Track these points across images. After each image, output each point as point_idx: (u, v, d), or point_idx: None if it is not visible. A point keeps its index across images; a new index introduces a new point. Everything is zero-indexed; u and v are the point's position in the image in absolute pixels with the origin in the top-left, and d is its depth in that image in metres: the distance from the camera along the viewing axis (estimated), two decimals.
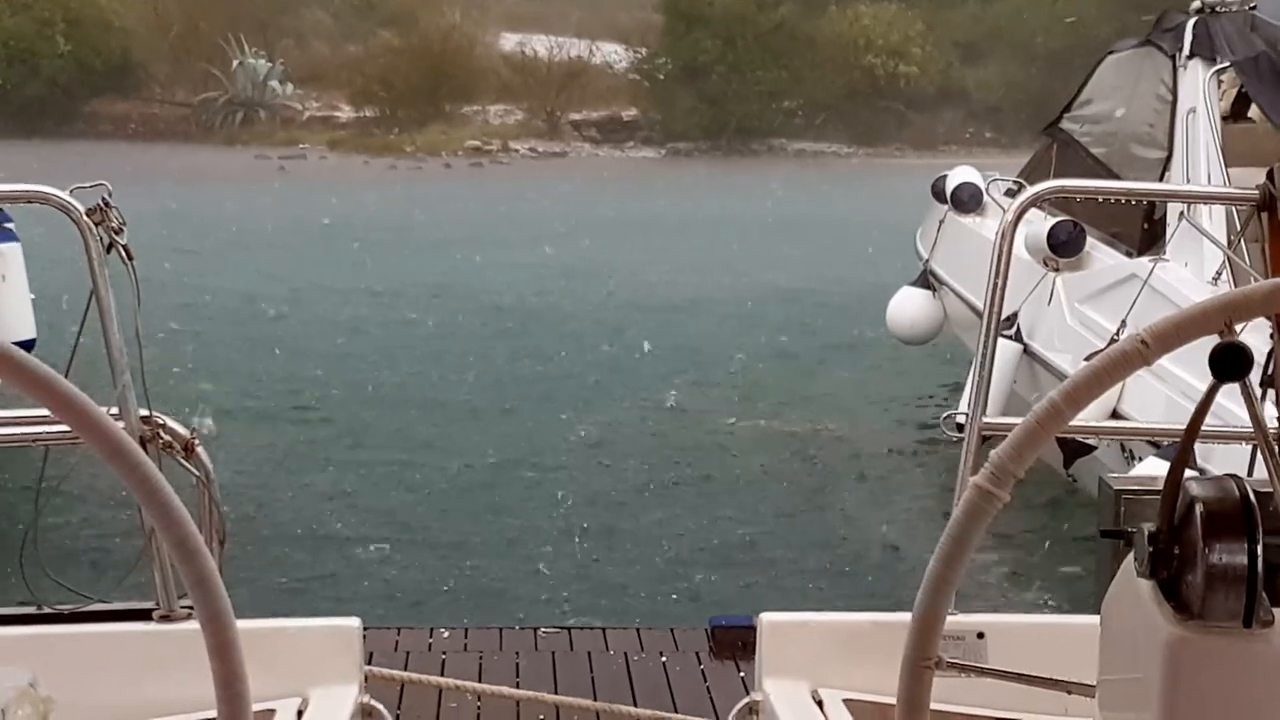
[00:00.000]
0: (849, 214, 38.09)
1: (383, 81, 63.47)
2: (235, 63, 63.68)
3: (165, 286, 23.04)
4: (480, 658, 7.99)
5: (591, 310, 25.03)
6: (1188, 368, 9.51)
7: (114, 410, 4.03)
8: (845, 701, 4.10)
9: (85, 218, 4.00)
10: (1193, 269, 11.74)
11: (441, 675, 7.35)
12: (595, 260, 30.33)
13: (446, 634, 8.43)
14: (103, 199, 3.99)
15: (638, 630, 8.57)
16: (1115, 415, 10.78)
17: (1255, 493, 2.17)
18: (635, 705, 7.03)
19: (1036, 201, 4.25)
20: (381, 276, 27.92)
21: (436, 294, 26.40)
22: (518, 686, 7.32)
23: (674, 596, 11.67)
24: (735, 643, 7.78)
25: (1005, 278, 4.16)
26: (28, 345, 13.61)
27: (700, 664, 7.93)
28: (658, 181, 49.38)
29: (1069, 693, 2.56)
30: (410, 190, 46.10)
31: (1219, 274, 11.24)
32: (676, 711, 7.04)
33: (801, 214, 38.76)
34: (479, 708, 7.25)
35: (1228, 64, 12.86)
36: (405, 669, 7.31)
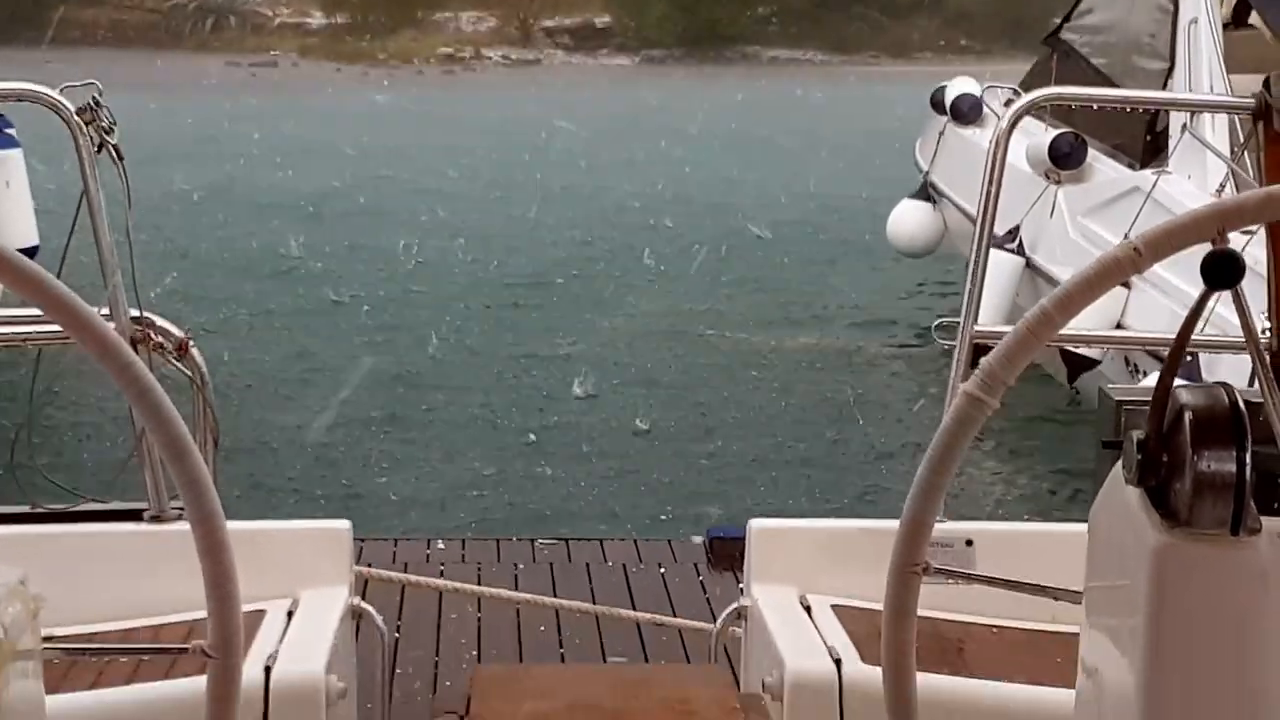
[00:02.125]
0: (830, 121, 37.87)
1: None
2: None
3: None
4: (479, 568, 7.98)
5: (569, 224, 25.01)
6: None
7: (105, 311, 4.03)
8: (833, 607, 4.12)
9: (75, 117, 3.98)
10: (1196, 181, 11.70)
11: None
12: (575, 174, 30.20)
13: (443, 545, 8.42)
14: (93, 98, 3.97)
15: (635, 541, 8.58)
16: (1119, 329, 10.78)
17: (1246, 402, 2.16)
18: (635, 611, 7.07)
19: (1031, 109, 4.23)
20: None
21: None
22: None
23: None
24: (733, 554, 7.76)
25: (999, 186, 4.14)
26: (31, 252, 13.57)
27: (699, 575, 7.94)
28: (635, 89, 49.06)
29: (1056, 599, 2.56)
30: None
31: (1223, 186, 11.20)
32: (676, 618, 7.06)
33: (782, 122, 38.51)
34: (479, 618, 7.26)
35: None
36: None
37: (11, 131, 14.58)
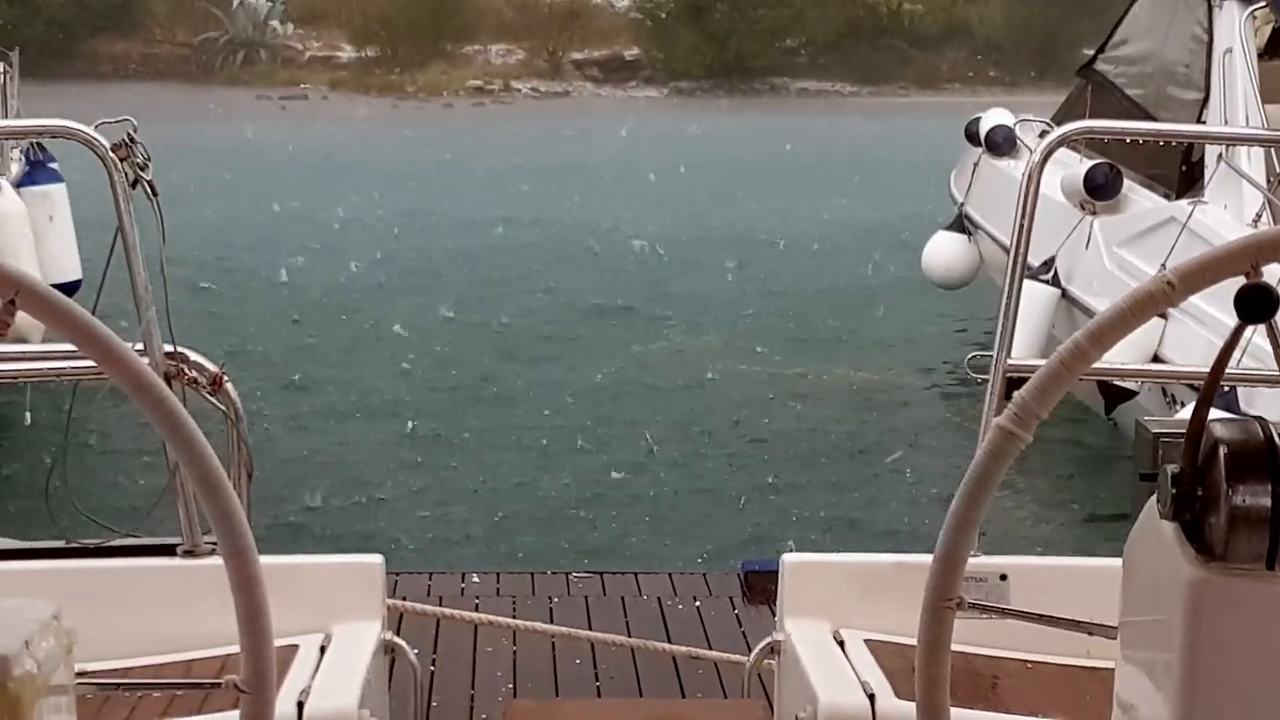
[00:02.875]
0: (859, 152, 37.85)
1: (383, 21, 63.56)
2: (235, 2, 63.91)
3: None
4: (513, 601, 7.98)
5: (613, 253, 25.02)
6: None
7: (139, 346, 4.05)
8: (866, 642, 4.11)
9: (110, 153, 4.01)
10: (1232, 211, 11.65)
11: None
12: (602, 205, 30.20)
13: (478, 579, 8.42)
14: (128, 134, 4.00)
15: (670, 575, 8.57)
16: (1157, 360, 10.75)
17: None
18: (670, 644, 7.05)
19: (1064, 142, 4.23)
20: None
21: None
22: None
23: None
24: (768, 587, 7.72)
25: (1031, 219, 4.14)
26: (73, 286, 13.69)
27: (734, 608, 7.92)
28: (664, 121, 49.19)
29: (1091, 634, 2.55)
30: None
31: (1259, 216, 11.17)
32: (711, 651, 7.05)
33: (811, 153, 38.46)
34: (515, 651, 7.26)
35: (1263, 2, 12.74)
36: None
37: (55, 166, 14.71)
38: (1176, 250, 11.16)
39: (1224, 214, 11.70)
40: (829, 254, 24.84)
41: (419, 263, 24.02)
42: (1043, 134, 4.50)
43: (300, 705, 3.61)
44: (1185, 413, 10.16)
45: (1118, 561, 2.46)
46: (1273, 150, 10.82)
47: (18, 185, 14.50)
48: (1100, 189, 13.17)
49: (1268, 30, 13.54)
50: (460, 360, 17.67)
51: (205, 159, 33.27)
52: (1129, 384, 11.23)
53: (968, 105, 19.24)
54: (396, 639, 4.28)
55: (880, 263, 23.18)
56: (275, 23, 64.76)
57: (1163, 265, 10.98)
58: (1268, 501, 2.10)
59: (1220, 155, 11.88)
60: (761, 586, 7.86)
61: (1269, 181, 11.18)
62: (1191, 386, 9.52)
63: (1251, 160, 11.57)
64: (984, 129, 16.71)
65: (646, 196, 31.08)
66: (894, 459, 13.87)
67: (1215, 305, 9.64)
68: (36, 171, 14.67)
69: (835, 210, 29.07)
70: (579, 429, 14.75)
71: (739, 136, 43.33)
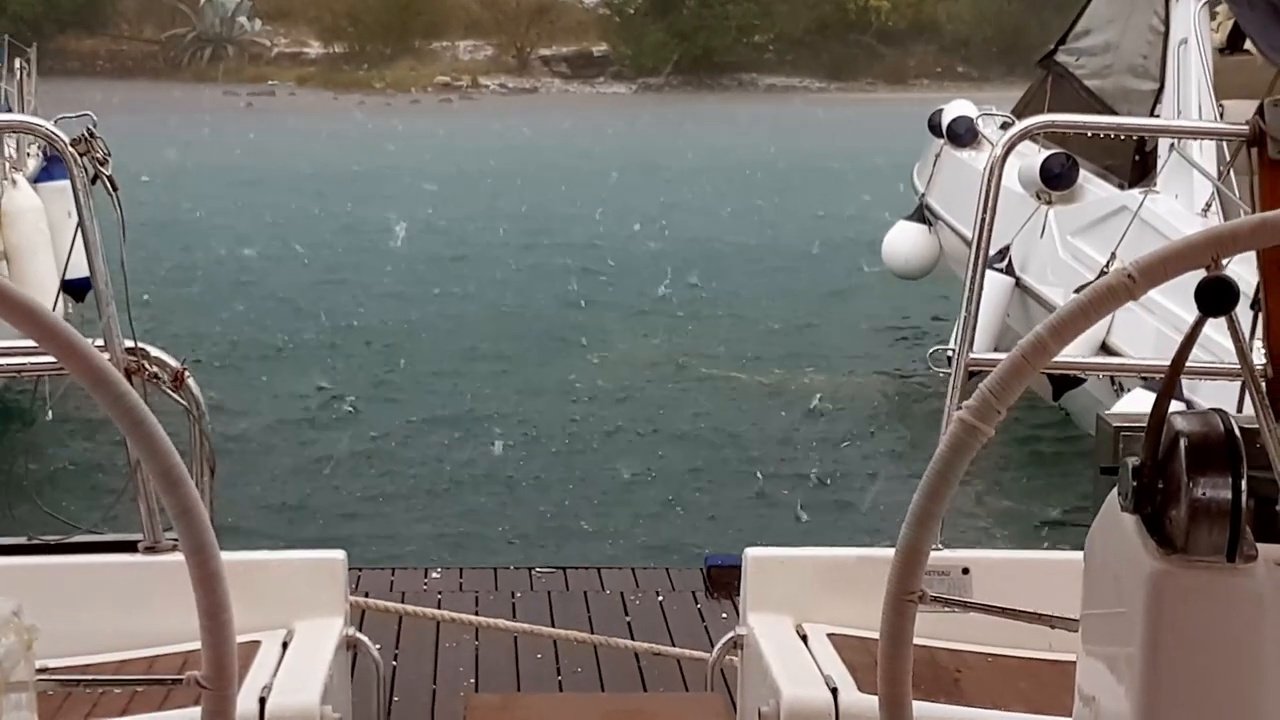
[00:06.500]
0: (829, 148, 37.87)
1: (351, 17, 63.67)
2: None
3: None
4: (476, 597, 7.97)
5: (573, 250, 24.97)
6: (1179, 301, 9.49)
7: (100, 341, 4.02)
8: (829, 636, 4.11)
9: (70, 148, 3.98)
10: (1183, 201, 11.75)
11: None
12: (569, 203, 30.11)
13: (439, 574, 8.41)
14: (88, 129, 3.97)
15: (633, 570, 8.57)
16: (1104, 348, 10.81)
17: (1240, 428, 2.16)
18: (633, 640, 7.05)
19: (1026, 136, 4.24)
20: None
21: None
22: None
23: None
24: (731, 582, 7.71)
25: (994, 212, 4.15)
26: (85, 283, 13.50)
27: (697, 603, 7.93)
28: (632, 117, 49.19)
29: (1053, 627, 2.56)
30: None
31: (1208, 206, 11.25)
32: (673, 647, 7.05)
33: (779, 149, 38.45)
34: (477, 646, 7.25)
35: None
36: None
37: None
38: (1127, 239, 11.24)
39: (1175, 203, 11.79)
40: (793, 250, 24.83)
41: None
42: (1004, 126, 4.53)
43: (262, 701, 3.60)
44: (1132, 399, 10.13)
45: (1079, 555, 2.47)
46: (1224, 141, 10.90)
47: (34, 181, 14.35)
48: (1056, 179, 13.22)
49: (1229, 25, 13.59)
50: None
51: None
52: None
53: (935, 101, 19.25)
54: (359, 634, 4.27)
55: (843, 256, 23.19)
56: (243, 19, 64.76)
57: (1112, 254, 11.09)
58: (1228, 494, 2.11)
59: (1172, 145, 11.95)
60: (724, 581, 7.87)
61: (1219, 172, 11.25)
62: (1143, 376, 9.57)
63: (1203, 150, 11.64)
64: (946, 120, 16.73)
65: (610, 194, 31.06)
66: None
67: (1163, 293, 9.68)
68: (54, 167, 14.42)
69: (798, 204, 29.06)
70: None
71: (702, 131, 43.28)
